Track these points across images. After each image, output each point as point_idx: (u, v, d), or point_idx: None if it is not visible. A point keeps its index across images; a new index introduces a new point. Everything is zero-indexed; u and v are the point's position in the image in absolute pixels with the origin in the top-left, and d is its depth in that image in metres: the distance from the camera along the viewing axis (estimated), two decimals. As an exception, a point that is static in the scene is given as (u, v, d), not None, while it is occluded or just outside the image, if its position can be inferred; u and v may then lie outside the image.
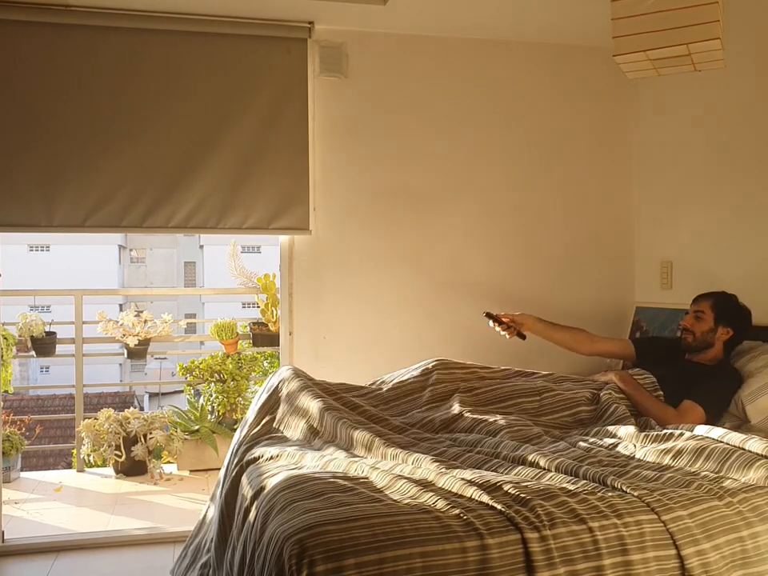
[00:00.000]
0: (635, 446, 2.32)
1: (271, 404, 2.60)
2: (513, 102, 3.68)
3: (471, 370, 2.89)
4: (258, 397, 2.70)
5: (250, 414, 2.63)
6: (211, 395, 4.49)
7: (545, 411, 2.69)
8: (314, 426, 2.44)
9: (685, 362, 2.86)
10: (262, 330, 4.30)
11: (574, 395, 2.74)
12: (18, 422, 4.46)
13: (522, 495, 1.79)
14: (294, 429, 2.48)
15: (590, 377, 2.99)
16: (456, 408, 2.61)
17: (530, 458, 2.12)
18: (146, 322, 4.37)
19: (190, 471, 4.25)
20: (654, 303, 3.65)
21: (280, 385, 2.63)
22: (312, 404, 2.47)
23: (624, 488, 1.88)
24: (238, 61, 3.29)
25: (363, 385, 2.81)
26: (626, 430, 2.42)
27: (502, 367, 2.98)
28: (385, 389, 2.77)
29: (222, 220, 3.29)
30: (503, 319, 3.00)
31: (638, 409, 2.70)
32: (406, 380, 2.81)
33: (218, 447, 4.16)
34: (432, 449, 2.26)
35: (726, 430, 2.31)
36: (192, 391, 4.91)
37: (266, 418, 2.54)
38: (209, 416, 4.40)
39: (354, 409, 2.53)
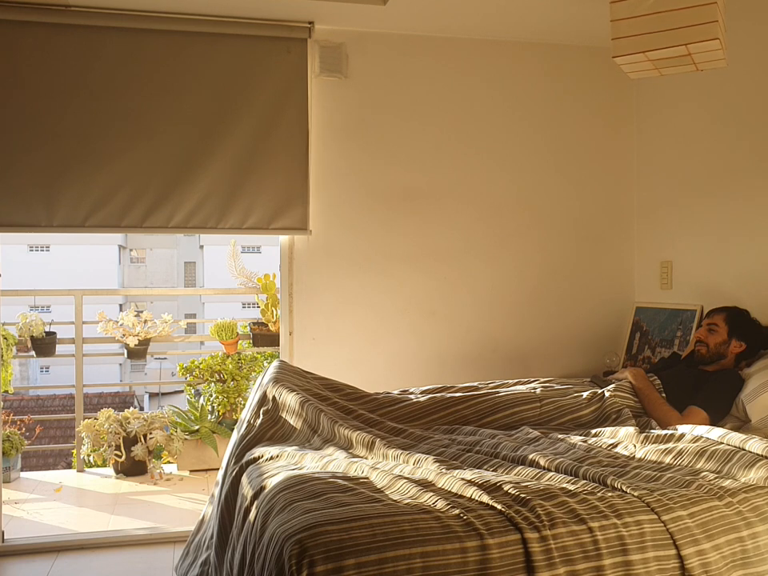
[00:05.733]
0: (635, 446, 2.32)
1: (266, 404, 2.59)
2: (513, 102, 3.67)
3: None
4: (252, 396, 2.69)
5: (246, 414, 2.63)
6: (211, 395, 4.49)
7: (546, 419, 2.69)
8: (311, 425, 2.43)
9: (687, 367, 2.90)
10: (262, 330, 4.30)
11: (574, 399, 2.75)
12: (18, 422, 4.46)
13: (522, 495, 1.79)
14: (291, 428, 2.48)
15: (610, 377, 3.02)
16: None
17: (529, 458, 2.12)
18: (145, 322, 4.36)
19: (190, 471, 4.25)
20: (654, 303, 3.65)
21: (272, 387, 2.62)
22: (303, 405, 2.47)
23: (624, 488, 1.88)
24: (238, 61, 3.29)
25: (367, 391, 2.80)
26: (626, 431, 2.43)
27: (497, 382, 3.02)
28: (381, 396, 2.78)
29: (222, 220, 3.29)
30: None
31: (643, 405, 2.74)
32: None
33: (218, 447, 4.15)
34: (432, 449, 2.26)
35: (725, 431, 2.32)
36: (192, 391, 4.91)
37: (263, 418, 2.53)
38: (209, 416, 4.39)
39: (348, 413, 2.53)
